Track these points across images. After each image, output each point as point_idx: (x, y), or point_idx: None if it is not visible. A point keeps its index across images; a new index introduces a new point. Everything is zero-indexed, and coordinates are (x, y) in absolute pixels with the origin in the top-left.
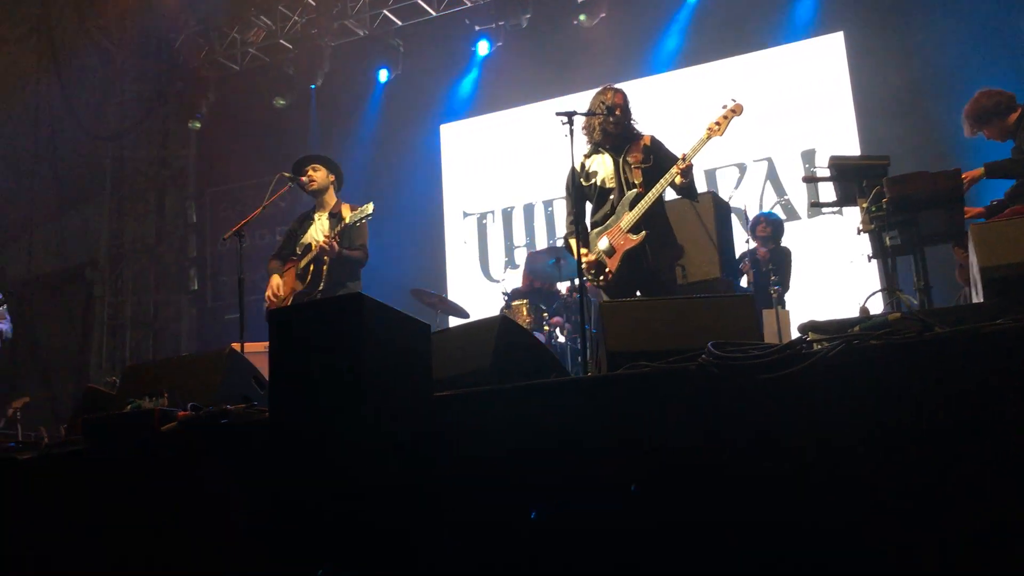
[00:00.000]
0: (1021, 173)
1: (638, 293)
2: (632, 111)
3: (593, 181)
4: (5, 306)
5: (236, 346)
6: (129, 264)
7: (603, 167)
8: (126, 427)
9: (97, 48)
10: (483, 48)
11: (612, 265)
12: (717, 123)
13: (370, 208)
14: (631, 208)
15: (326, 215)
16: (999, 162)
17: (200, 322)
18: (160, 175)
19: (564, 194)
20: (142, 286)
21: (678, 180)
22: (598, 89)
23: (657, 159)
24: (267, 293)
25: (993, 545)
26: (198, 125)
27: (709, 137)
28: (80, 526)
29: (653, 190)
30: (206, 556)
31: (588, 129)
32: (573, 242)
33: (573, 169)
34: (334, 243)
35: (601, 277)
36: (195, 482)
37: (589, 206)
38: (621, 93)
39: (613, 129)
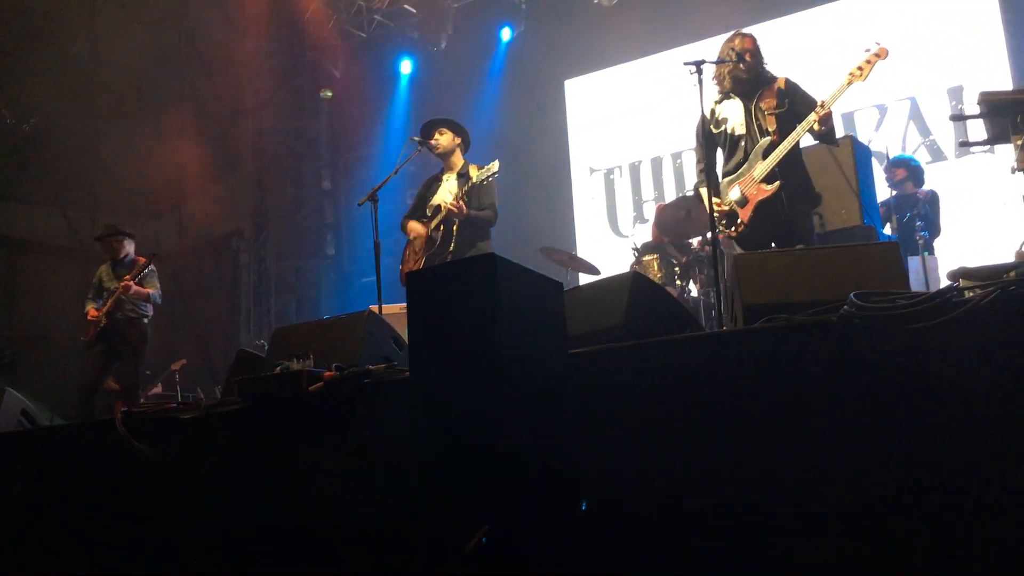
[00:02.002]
0: None
1: (773, 245)
2: (764, 55)
3: (723, 128)
4: (156, 274)
5: (374, 308)
6: (271, 232)
7: (734, 114)
8: (277, 387)
9: (232, 24)
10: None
11: (744, 216)
12: (860, 68)
13: (496, 166)
14: (764, 157)
15: (454, 176)
16: None
17: (338, 286)
18: (296, 145)
19: (694, 144)
20: (284, 252)
21: (816, 127)
22: (726, 36)
23: (792, 103)
24: (406, 252)
25: None
26: (329, 94)
27: (850, 83)
28: (236, 482)
29: (788, 138)
30: (351, 513)
31: (719, 78)
32: (704, 191)
33: (703, 116)
34: (462, 204)
35: (733, 228)
36: (342, 439)
37: (721, 155)
38: (750, 38)
39: (744, 75)
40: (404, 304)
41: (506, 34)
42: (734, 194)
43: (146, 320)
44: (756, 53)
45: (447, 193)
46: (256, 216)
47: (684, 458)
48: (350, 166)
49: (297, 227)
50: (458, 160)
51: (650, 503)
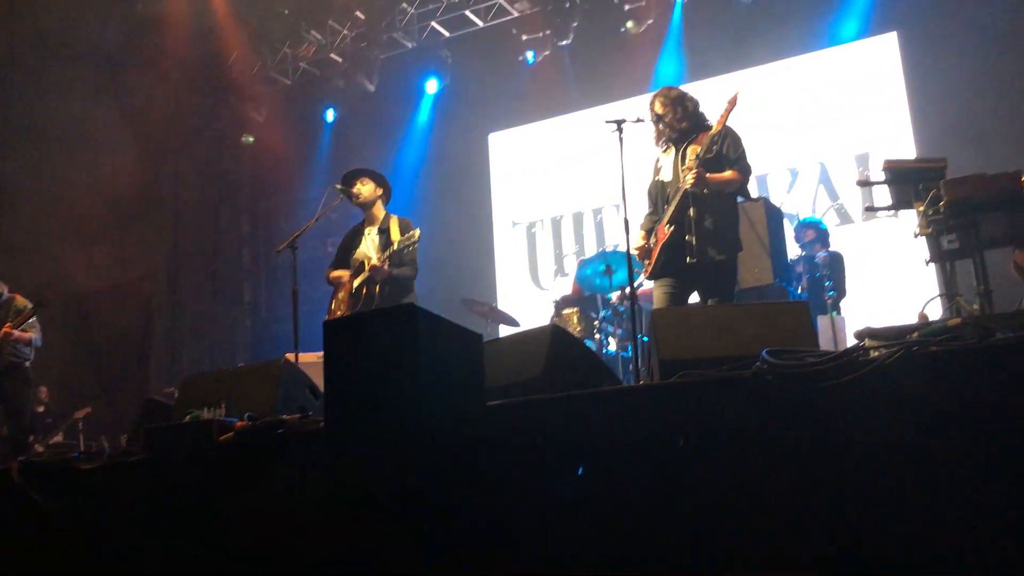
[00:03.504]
0: None
1: (681, 286)
2: (691, 103)
3: (659, 177)
4: (35, 318)
5: (291, 356)
6: (186, 277)
7: (667, 162)
8: (185, 437)
9: (153, 66)
10: (531, 57)
11: (653, 256)
12: (720, 119)
13: (417, 234)
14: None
15: (376, 230)
16: None
17: (255, 333)
18: (215, 189)
19: (615, 203)
20: (199, 298)
21: (689, 184)
22: (650, 95)
23: (722, 150)
24: (332, 303)
25: None
26: (251, 139)
27: (710, 135)
28: (141, 535)
29: (683, 182)
30: (261, 564)
31: (654, 138)
32: (640, 236)
33: (653, 168)
34: (384, 266)
35: (645, 269)
36: (254, 491)
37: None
38: (662, 97)
39: (669, 131)
40: (321, 353)
41: (431, 86)
42: (653, 237)
43: (27, 364)
44: (675, 106)
45: (370, 248)
46: (171, 260)
47: (599, 510)
48: (270, 212)
49: (213, 272)
50: (379, 211)
51: (565, 553)
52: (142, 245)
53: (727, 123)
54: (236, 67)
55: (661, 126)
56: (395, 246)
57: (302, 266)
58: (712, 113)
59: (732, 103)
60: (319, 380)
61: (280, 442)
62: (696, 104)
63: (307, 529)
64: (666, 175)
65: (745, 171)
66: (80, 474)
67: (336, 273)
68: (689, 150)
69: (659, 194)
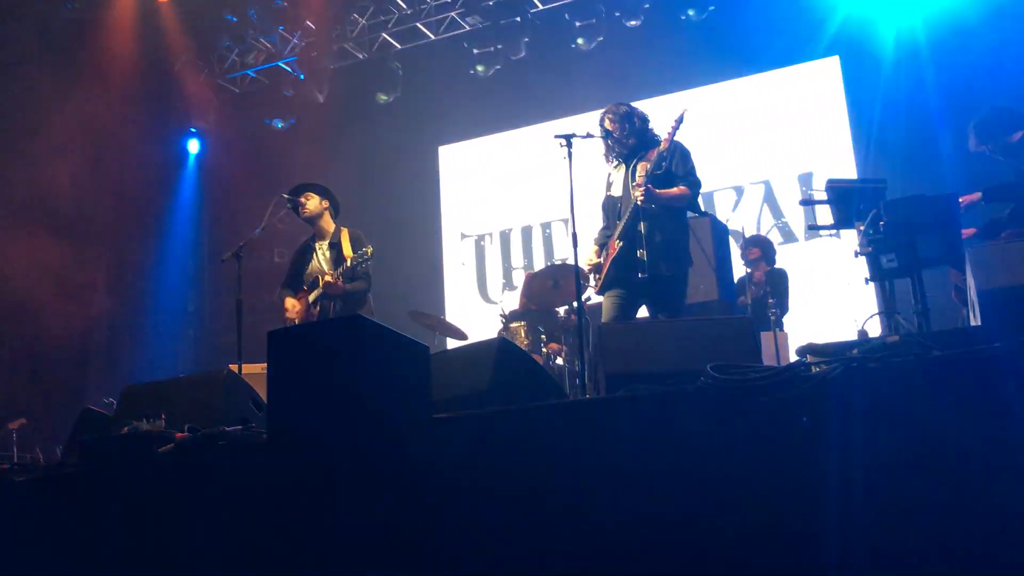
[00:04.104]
0: (1018, 197)
1: (622, 293)
2: (639, 120)
3: (609, 193)
4: None
5: (234, 367)
6: (127, 285)
7: (618, 178)
8: (123, 449)
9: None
10: (482, 71)
11: (603, 271)
12: (666, 138)
13: (370, 252)
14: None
15: (327, 244)
16: (996, 187)
17: (198, 343)
18: (159, 196)
19: (564, 217)
20: (141, 306)
21: (638, 201)
22: (600, 111)
23: (671, 167)
24: (287, 316)
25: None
26: (197, 146)
27: (658, 152)
28: (75, 549)
29: (634, 198)
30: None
31: (605, 154)
32: (593, 248)
33: (607, 176)
34: (339, 282)
35: (594, 282)
36: (194, 504)
37: None
38: (611, 114)
39: (619, 149)
40: (266, 364)
41: (382, 98)
42: (603, 252)
43: None
44: (623, 122)
45: (322, 262)
46: (112, 267)
47: (546, 523)
48: (217, 221)
49: (157, 280)
50: (328, 225)
51: (510, 565)
52: (82, 251)
53: (676, 139)
54: (183, 73)
55: (610, 142)
56: (348, 263)
57: (247, 276)
58: (661, 130)
59: (679, 120)
60: (263, 391)
61: (222, 454)
62: (645, 120)
63: (248, 542)
64: (617, 191)
65: (694, 186)
66: (13, 486)
67: (289, 302)
68: (639, 166)
69: (611, 209)
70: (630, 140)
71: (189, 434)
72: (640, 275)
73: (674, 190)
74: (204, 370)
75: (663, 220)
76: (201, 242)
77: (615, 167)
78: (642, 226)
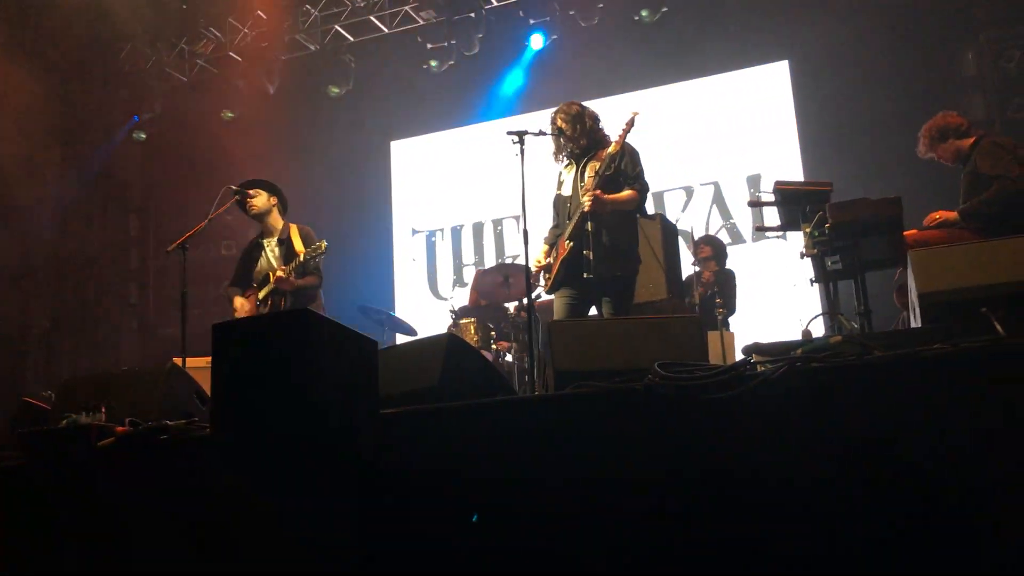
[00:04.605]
0: (990, 214)
1: (573, 293)
2: (590, 120)
3: (560, 191)
4: None
5: (178, 361)
6: (68, 275)
7: (568, 178)
8: (62, 442)
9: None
10: (435, 66)
11: (553, 270)
12: (618, 139)
13: (323, 246)
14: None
15: (275, 241)
16: (974, 205)
17: (141, 337)
18: (103, 186)
19: (515, 214)
20: (82, 298)
21: (586, 208)
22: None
23: (620, 167)
24: (236, 316)
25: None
26: (143, 136)
27: (609, 155)
28: (12, 543)
29: (583, 201)
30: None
31: (555, 153)
32: (542, 249)
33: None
34: (291, 277)
35: (544, 282)
36: (135, 499)
37: None
38: (563, 113)
39: (570, 146)
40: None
41: (334, 90)
42: (554, 252)
43: None
44: (575, 122)
45: (272, 260)
46: (52, 256)
47: (492, 519)
48: (162, 212)
49: (99, 272)
50: (276, 222)
51: (457, 561)
52: (21, 240)
53: (626, 141)
54: (129, 60)
55: (562, 141)
56: (301, 258)
57: (193, 268)
58: (613, 132)
59: (630, 124)
60: (208, 386)
61: (164, 449)
62: (596, 120)
63: (189, 538)
64: (567, 190)
65: (643, 189)
66: None
67: (238, 301)
68: (589, 167)
69: (561, 208)
70: (581, 140)
71: (130, 428)
72: (585, 275)
73: (622, 194)
74: (147, 364)
75: (611, 222)
76: (145, 234)
77: (565, 166)
78: (590, 226)
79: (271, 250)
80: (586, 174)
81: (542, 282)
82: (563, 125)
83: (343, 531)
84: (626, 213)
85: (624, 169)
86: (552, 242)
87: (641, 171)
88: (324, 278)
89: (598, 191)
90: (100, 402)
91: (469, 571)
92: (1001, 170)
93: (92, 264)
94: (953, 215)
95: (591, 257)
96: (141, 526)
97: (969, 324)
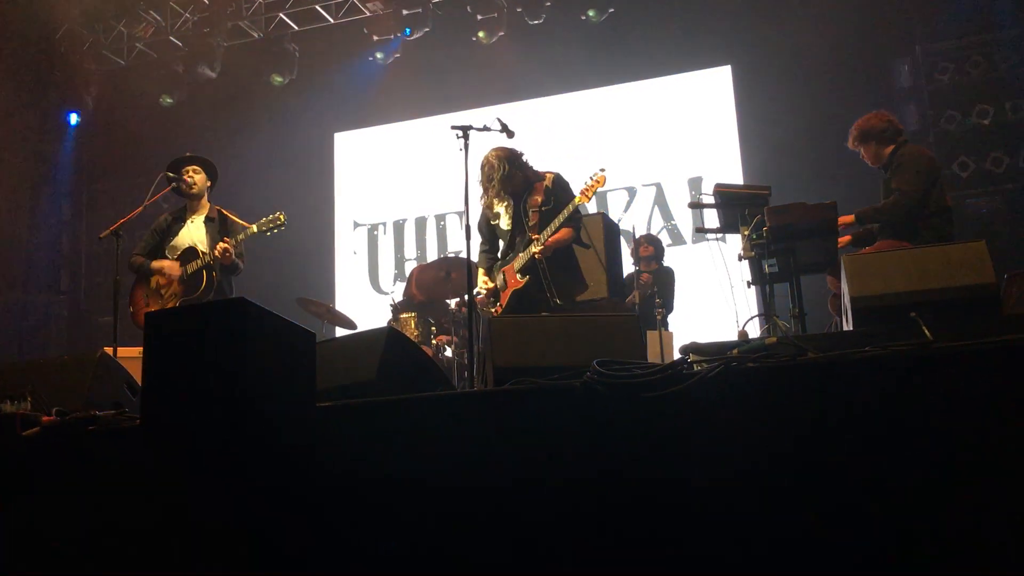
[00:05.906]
0: (884, 221)
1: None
2: (518, 160)
3: (497, 223)
4: None
5: (109, 350)
6: None
7: (504, 212)
8: None
9: None
10: (381, 58)
11: (503, 299)
12: (583, 192)
13: (282, 218)
14: (524, 251)
15: (202, 219)
16: (867, 211)
17: (72, 324)
18: (35, 169)
19: (458, 210)
20: (9, 283)
21: (538, 256)
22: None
23: (557, 200)
24: (138, 293)
25: (859, 555)
26: (77, 119)
27: (575, 206)
28: None
29: (541, 237)
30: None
31: (484, 186)
32: (481, 271)
33: (483, 211)
34: (231, 253)
35: (495, 308)
36: (60, 491)
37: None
38: (490, 163)
39: (505, 188)
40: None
41: (277, 79)
42: (499, 279)
43: None
44: (505, 168)
45: (197, 236)
46: None
47: (427, 514)
48: (96, 197)
49: (28, 257)
50: (205, 202)
51: (391, 557)
52: None
53: (557, 172)
54: (64, 42)
55: (495, 182)
56: (254, 229)
57: (126, 256)
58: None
59: (599, 183)
60: (140, 377)
61: (91, 440)
62: (524, 161)
63: (116, 531)
64: (506, 224)
65: (577, 226)
66: None
67: (158, 263)
68: (529, 201)
69: (498, 237)
70: (515, 181)
71: (57, 418)
72: (553, 305)
73: (562, 234)
74: (77, 351)
75: (559, 258)
76: (78, 219)
77: (499, 201)
78: (543, 263)
79: (195, 225)
80: (529, 209)
81: (492, 308)
82: (504, 168)
83: (269, 523)
84: (568, 246)
85: (561, 200)
86: (488, 267)
87: (573, 198)
88: (263, 269)
89: (548, 242)
90: (26, 390)
91: (402, 566)
92: (903, 184)
93: (22, 248)
94: (851, 218)
95: (554, 289)
96: (65, 518)
97: (899, 328)
